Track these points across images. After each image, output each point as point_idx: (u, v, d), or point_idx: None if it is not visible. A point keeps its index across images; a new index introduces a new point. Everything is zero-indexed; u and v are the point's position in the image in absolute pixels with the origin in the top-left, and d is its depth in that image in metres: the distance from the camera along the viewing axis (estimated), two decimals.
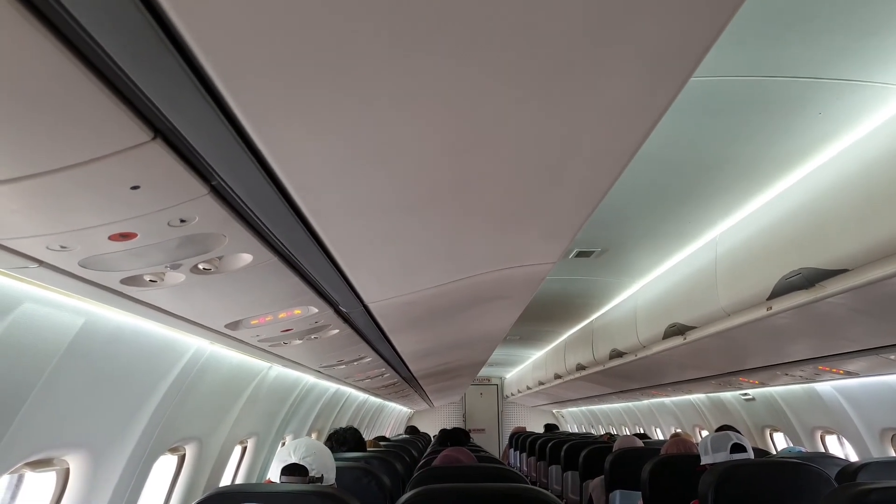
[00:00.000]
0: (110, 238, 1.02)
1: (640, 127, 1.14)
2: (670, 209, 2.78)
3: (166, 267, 1.24)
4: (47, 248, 1.01)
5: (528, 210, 1.57)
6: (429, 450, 5.32)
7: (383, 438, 5.92)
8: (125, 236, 1.03)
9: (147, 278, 1.28)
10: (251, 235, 1.20)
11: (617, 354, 4.75)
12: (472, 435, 11.03)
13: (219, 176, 0.97)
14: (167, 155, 0.84)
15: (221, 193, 1.02)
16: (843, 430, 4.06)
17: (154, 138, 0.79)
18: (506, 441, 12.23)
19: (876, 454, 3.70)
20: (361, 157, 1.07)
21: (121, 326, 1.72)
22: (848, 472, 2.59)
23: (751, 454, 2.73)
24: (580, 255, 3.57)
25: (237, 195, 1.04)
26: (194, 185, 0.96)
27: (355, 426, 3.68)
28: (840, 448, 4.46)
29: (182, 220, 1.05)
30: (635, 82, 0.98)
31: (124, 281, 1.25)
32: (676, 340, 3.62)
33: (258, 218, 1.14)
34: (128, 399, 2.02)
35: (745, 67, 1.70)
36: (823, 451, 4.35)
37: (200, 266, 1.28)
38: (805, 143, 2.06)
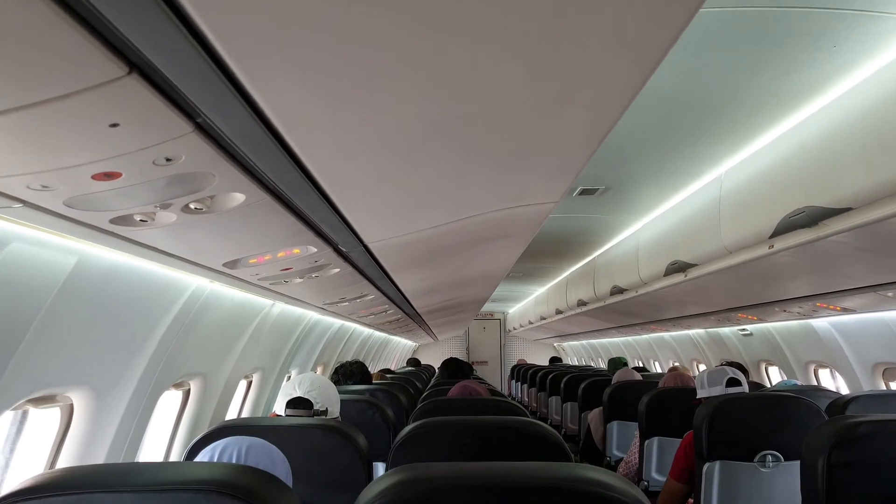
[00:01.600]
0: (94, 178, 0.99)
1: (647, 60, 1.09)
2: (675, 146, 2.72)
3: (156, 207, 1.22)
4: (28, 187, 0.99)
5: (530, 148, 1.53)
6: (433, 381, 5.42)
7: (389, 371, 6.04)
8: (109, 175, 1.00)
9: (137, 218, 1.26)
10: (241, 174, 1.17)
11: (618, 291, 4.78)
12: (475, 367, 11.27)
13: (203, 113, 0.93)
14: (145, 91, 0.80)
15: (207, 131, 0.98)
16: (836, 365, 4.13)
17: (129, 73, 0.75)
18: (507, 373, 12.53)
19: (867, 387, 3.77)
20: (352, 92, 1.03)
21: (115, 265, 1.71)
22: (838, 404, 2.64)
23: (746, 388, 2.77)
24: (583, 192, 3.52)
25: (223, 133, 1.00)
26: (178, 123, 0.92)
27: (361, 360, 3.73)
28: (832, 381, 4.54)
29: (168, 160, 1.02)
30: (642, 12, 0.93)
31: (113, 221, 1.23)
32: (677, 277, 3.62)
33: (247, 156, 1.11)
34: (128, 337, 2.03)
35: None
36: (816, 384, 4.43)
37: (191, 206, 1.26)
38: (817, 78, 1.99)
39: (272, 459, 1.33)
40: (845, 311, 3.41)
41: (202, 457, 1.33)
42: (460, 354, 14.33)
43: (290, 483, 1.35)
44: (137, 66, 0.76)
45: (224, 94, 0.91)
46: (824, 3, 1.62)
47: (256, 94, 0.93)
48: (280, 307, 3.29)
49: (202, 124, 0.96)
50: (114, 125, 0.86)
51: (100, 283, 1.71)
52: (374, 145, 1.28)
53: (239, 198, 1.29)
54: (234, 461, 1.29)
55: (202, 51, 0.79)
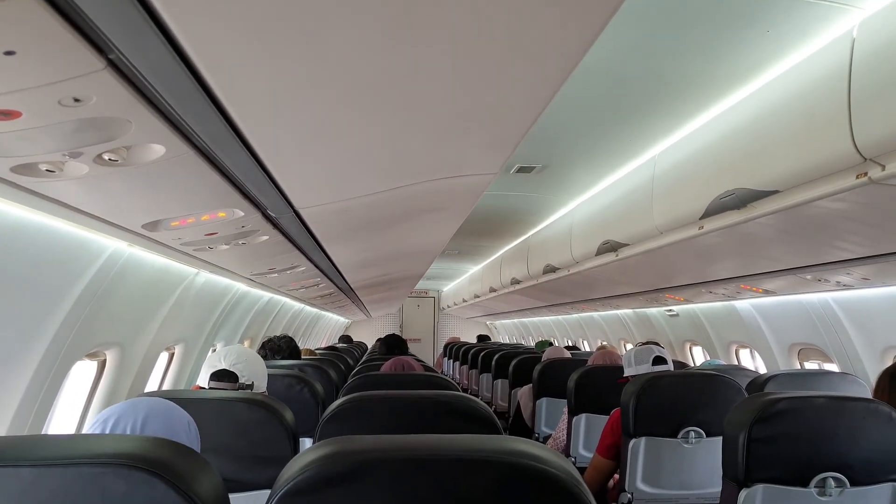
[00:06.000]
0: None
1: (588, 30, 1.07)
2: (611, 126, 2.74)
3: (65, 155, 1.11)
4: None
5: (469, 113, 1.49)
6: (365, 357, 5.37)
7: (332, 349, 5.97)
8: (7, 114, 0.89)
9: (43, 167, 1.15)
10: (161, 123, 1.07)
11: (551, 270, 4.84)
12: (408, 344, 11.27)
13: (116, 48, 0.84)
14: (46, 14, 0.71)
15: (121, 69, 0.89)
16: (756, 345, 4.32)
17: None
18: (440, 350, 12.60)
19: (783, 366, 3.97)
20: (285, 36, 0.95)
21: (21, 222, 1.57)
22: (757, 382, 2.75)
23: (671, 366, 2.85)
24: (520, 170, 3.52)
25: (140, 73, 0.91)
26: (87, 58, 0.82)
27: (290, 335, 3.63)
28: (751, 361, 4.76)
29: (76, 100, 0.92)
30: None
31: (15, 169, 1.12)
32: (609, 257, 3.69)
33: (167, 102, 1.02)
34: (35, 302, 1.88)
35: None
36: (737, 363, 4.64)
37: (105, 156, 1.16)
38: (751, 62, 2.03)
39: (174, 431, 1.22)
40: (766, 293, 3.56)
41: (90, 429, 1.19)
42: (394, 332, 14.30)
43: (197, 448, 1.26)
44: None
45: (141, 28, 0.82)
46: None
47: (177, 29, 0.85)
48: (205, 276, 3.15)
49: (115, 61, 0.87)
50: (9, 53, 0.76)
51: (2, 241, 1.56)
52: (306, 99, 1.20)
53: (158, 150, 1.19)
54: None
55: None
